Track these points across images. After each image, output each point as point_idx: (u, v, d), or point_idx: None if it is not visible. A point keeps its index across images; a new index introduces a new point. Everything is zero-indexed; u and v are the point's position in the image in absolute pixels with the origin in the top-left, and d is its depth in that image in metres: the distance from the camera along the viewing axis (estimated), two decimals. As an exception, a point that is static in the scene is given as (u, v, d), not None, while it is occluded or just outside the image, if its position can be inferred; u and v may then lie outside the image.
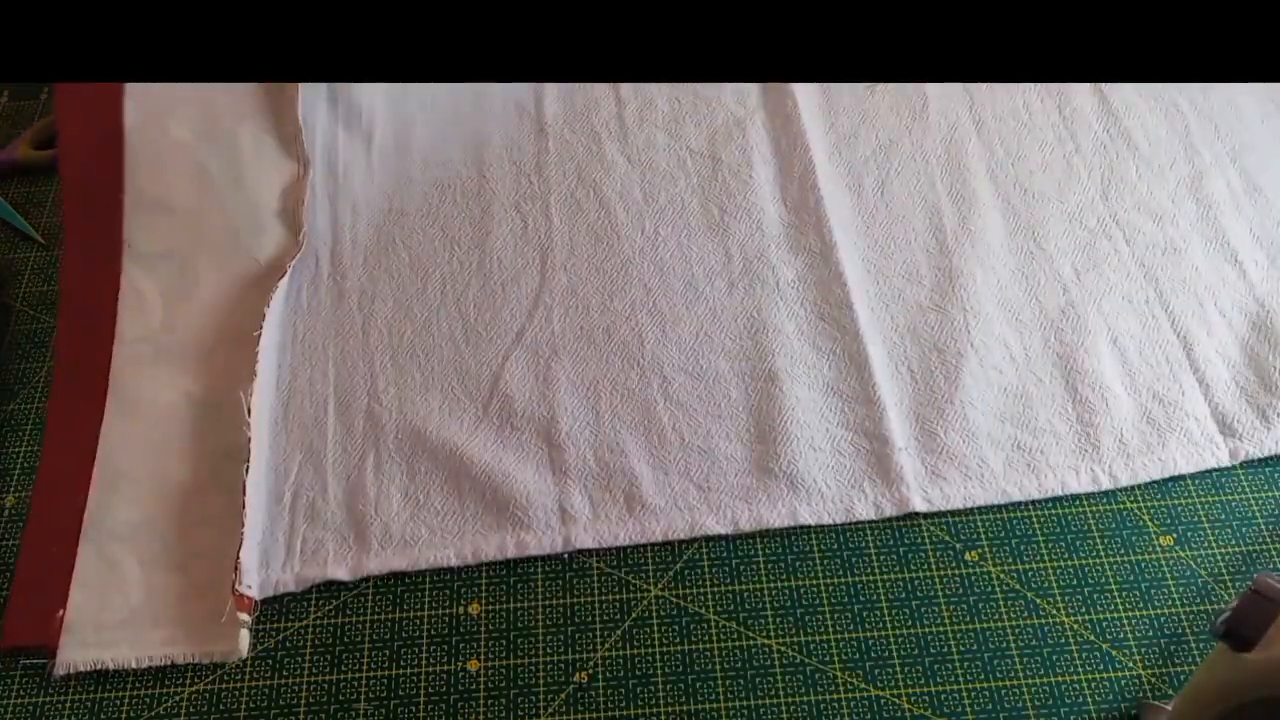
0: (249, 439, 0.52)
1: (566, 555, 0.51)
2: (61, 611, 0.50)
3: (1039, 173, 0.62)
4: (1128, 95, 0.65)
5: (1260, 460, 0.53)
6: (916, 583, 0.50)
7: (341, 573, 0.51)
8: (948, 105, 0.65)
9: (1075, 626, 0.49)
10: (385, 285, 0.59)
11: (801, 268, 0.59)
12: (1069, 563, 0.50)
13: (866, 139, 0.64)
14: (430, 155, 0.64)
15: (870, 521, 0.52)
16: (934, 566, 0.50)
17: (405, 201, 0.63)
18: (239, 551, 0.49)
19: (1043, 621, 0.49)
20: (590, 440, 0.54)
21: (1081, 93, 0.66)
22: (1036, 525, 0.52)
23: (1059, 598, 0.50)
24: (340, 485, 0.53)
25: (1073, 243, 0.59)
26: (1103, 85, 0.66)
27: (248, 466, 0.51)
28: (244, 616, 0.49)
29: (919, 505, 0.51)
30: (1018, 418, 0.53)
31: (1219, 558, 0.51)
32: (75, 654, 0.49)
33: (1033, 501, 0.52)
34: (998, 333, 0.56)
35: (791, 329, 0.57)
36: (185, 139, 0.62)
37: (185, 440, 0.54)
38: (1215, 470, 0.53)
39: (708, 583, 0.50)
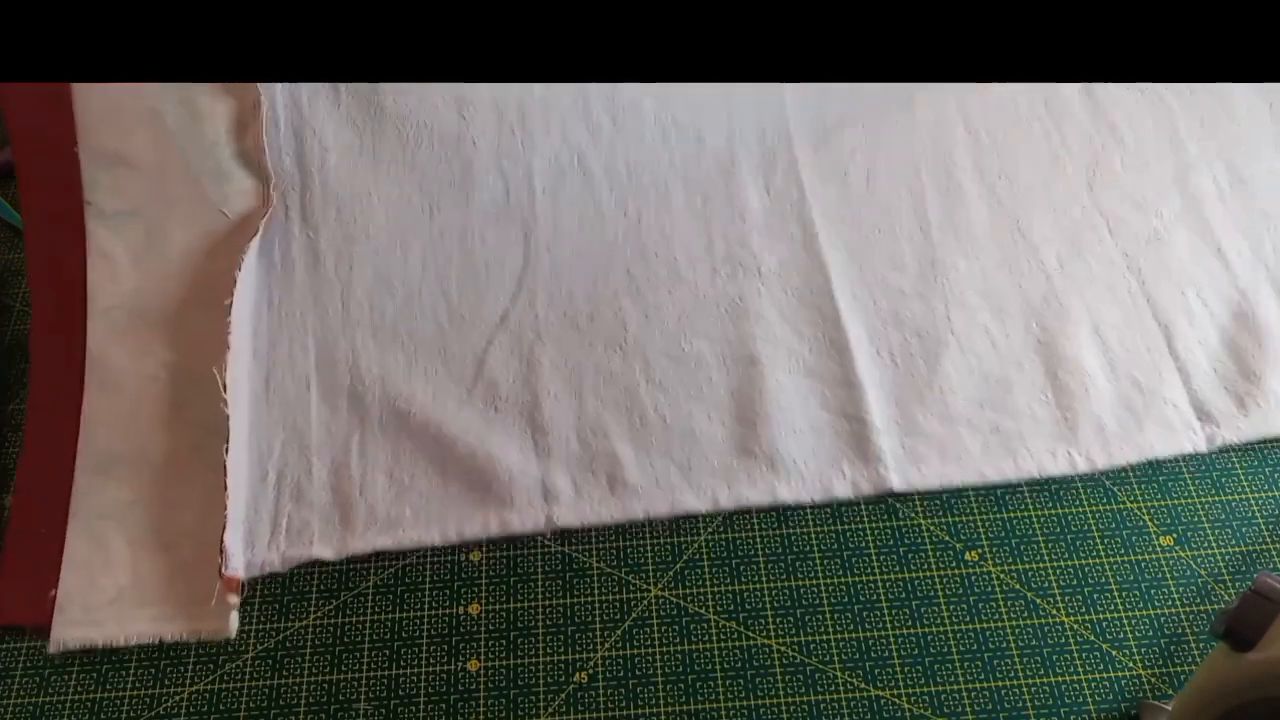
0: (228, 416, 0.51)
1: (565, 554, 0.51)
2: (53, 592, 0.50)
3: (1024, 164, 0.62)
4: (1114, 89, 0.65)
5: (1260, 460, 0.53)
6: (916, 583, 0.50)
7: (327, 552, 0.51)
8: (934, 96, 0.65)
9: (1075, 626, 0.49)
10: (363, 250, 0.58)
11: (784, 254, 0.59)
12: (1069, 563, 0.50)
13: (852, 128, 0.64)
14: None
15: (870, 521, 0.52)
16: (934, 566, 0.50)
17: (378, 143, 0.60)
18: (223, 534, 0.49)
19: (1043, 621, 0.49)
20: (573, 423, 0.54)
21: (1068, 86, 0.66)
22: (1036, 525, 0.52)
23: (1059, 598, 0.50)
24: (325, 466, 0.53)
25: (1057, 232, 0.59)
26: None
27: (228, 446, 0.51)
28: (232, 598, 0.49)
29: (896, 484, 0.52)
30: (997, 402, 0.54)
31: (1219, 558, 0.51)
32: (66, 632, 0.49)
33: (1033, 502, 0.52)
34: (979, 320, 0.56)
35: (773, 314, 0.57)
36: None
37: (166, 414, 0.54)
38: (1215, 470, 0.53)
39: (708, 583, 0.50)
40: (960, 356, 0.55)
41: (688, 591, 0.50)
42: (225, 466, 0.50)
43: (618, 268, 0.59)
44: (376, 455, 0.53)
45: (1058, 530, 0.51)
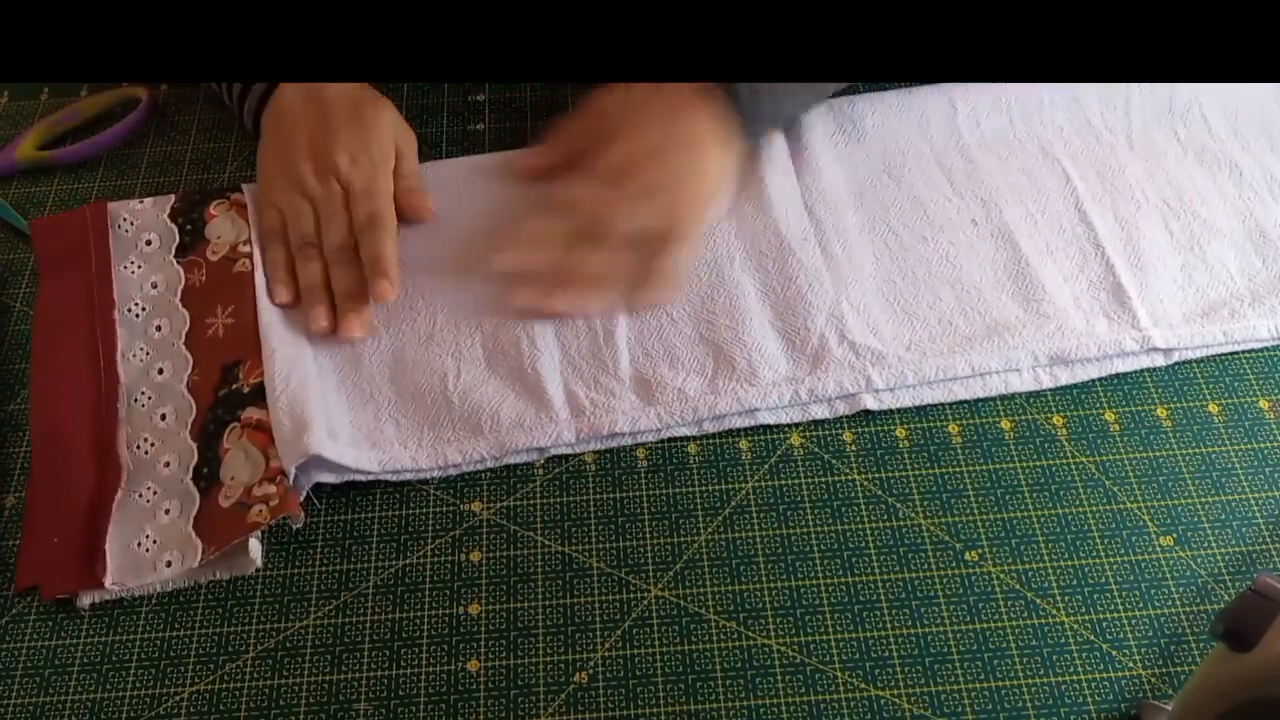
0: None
1: (565, 554, 0.51)
2: (102, 562, 0.50)
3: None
4: None
5: (1260, 459, 0.53)
6: (916, 583, 0.50)
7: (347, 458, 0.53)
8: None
9: (1075, 626, 0.49)
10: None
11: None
12: (1069, 563, 0.50)
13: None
14: None
15: (870, 521, 0.52)
16: (934, 566, 0.50)
17: None
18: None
19: (1043, 621, 0.49)
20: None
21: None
22: (1036, 525, 0.52)
23: (1059, 598, 0.50)
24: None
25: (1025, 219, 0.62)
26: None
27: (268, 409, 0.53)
28: (256, 534, 0.51)
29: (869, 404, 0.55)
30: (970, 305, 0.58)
31: (1219, 558, 0.51)
32: (111, 581, 0.50)
33: (1033, 501, 0.52)
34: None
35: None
36: None
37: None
38: (1215, 470, 0.53)
39: (708, 583, 0.50)
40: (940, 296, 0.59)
41: (688, 591, 0.50)
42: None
43: None
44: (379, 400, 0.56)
45: (1058, 530, 0.51)
